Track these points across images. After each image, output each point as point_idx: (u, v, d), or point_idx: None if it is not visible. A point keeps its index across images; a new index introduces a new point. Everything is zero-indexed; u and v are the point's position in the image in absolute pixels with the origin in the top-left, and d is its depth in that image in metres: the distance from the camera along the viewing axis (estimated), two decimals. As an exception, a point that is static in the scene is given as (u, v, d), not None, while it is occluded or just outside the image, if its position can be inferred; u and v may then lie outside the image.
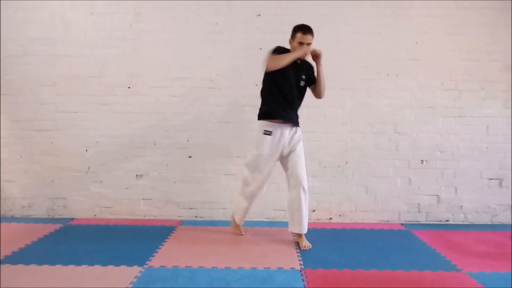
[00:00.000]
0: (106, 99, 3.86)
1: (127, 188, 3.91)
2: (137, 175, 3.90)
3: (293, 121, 3.12)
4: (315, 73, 3.16)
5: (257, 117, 3.17)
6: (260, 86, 3.20)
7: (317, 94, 3.22)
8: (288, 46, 3.11)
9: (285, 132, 3.08)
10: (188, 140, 3.88)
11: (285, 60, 2.90)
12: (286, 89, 3.06)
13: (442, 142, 3.85)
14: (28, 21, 3.85)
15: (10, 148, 3.91)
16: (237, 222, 3.40)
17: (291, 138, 3.11)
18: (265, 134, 3.07)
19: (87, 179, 3.91)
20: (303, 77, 3.13)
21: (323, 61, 3.10)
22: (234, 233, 3.43)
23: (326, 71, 3.80)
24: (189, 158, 3.88)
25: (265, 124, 3.08)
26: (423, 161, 3.85)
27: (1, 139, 3.90)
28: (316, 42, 3.78)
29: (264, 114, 3.11)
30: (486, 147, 3.85)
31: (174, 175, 3.89)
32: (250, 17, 3.79)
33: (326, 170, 3.87)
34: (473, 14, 3.79)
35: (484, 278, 2.56)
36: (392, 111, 3.84)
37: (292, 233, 3.34)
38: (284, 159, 3.17)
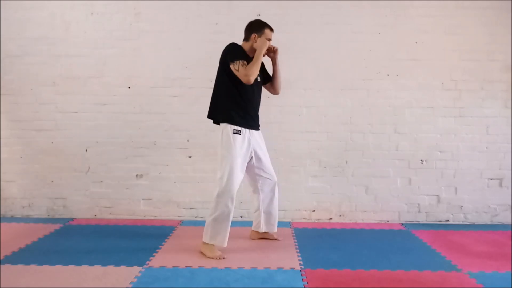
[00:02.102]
0: (106, 99, 3.86)
1: (127, 188, 3.91)
2: (137, 175, 3.90)
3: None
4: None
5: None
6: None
7: (275, 90, 3.18)
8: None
9: None
10: (188, 140, 3.88)
11: (257, 66, 2.83)
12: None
13: (442, 142, 3.85)
14: (28, 21, 3.85)
15: (10, 148, 3.91)
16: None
17: None
18: None
19: (87, 179, 3.91)
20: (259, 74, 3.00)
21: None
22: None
23: (327, 71, 3.83)
24: (189, 158, 3.88)
25: None
26: (423, 161, 3.85)
27: (1, 139, 3.90)
28: (316, 42, 3.81)
29: None
30: (486, 147, 3.85)
31: (174, 175, 3.89)
32: (250, 17, 3.77)
33: (326, 170, 3.87)
34: (473, 14, 3.79)
35: (484, 278, 2.56)
36: (392, 111, 3.84)
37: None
38: None
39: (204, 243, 2.91)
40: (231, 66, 2.83)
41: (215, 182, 2.92)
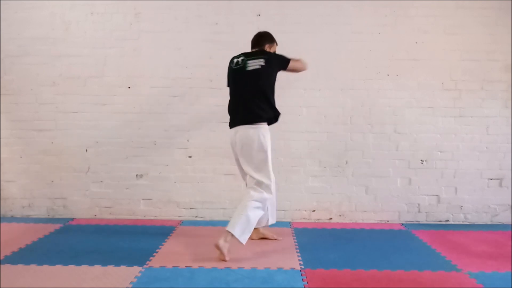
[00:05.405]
0: (106, 99, 3.86)
1: (127, 188, 3.91)
2: (137, 175, 3.90)
3: None
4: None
5: (260, 120, 2.98)
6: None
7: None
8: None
9: None
10: (188, 140, 3.88)
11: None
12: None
13: (442, 142, 3.85)
14: (28, 21, 3.85)
15: (10, 148, 3.91)
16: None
17: None
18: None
19: (87, 179, 3.90)
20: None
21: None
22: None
23: (327, 71, 3.82)
24: (189, 158, 3.88)
25: (268, 129, 3.03)
26: (423, 161, 3.85)
27: (1, 139, 3.90)
28: (316, 42, 3.81)
29: (275, 118, 3.07)
30: (486, 147, 3.85)
31: (174, 175, 3.89)
32: (250, 17, 3.79)
33: (326, 170, 3.87)
34: (473, 14, 3.79)
35: (484, 278, 2.56)
36: (392, 111, 3.84)
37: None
38: None
39: (231, 239, 2.81)
40: (290, 64, 3.08)
41: (261, 184, 2.93)
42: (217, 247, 2.78)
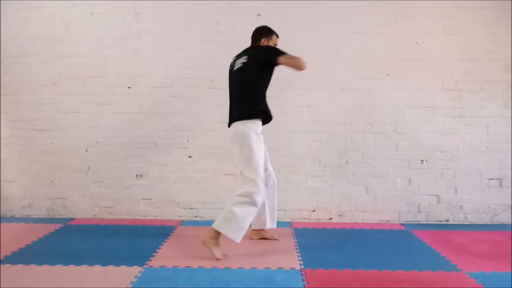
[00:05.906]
0: (106, 99, 3.86)
1: (127, 188, 3.91)
2: (137, 175, 3.90)
3: None
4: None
5: (245, 117, 2.91)
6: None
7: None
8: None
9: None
10: (188, 140, 3.88)
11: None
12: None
13: (442, 142, 3.85)
14: (28, 21, 3.85)
15: (10, 148, 3.91)
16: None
17: None
18: (260, 134, 2.96)
19: (87, 179, 3.90)
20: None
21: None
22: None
23: (327, 71, 3.83)
24: (189, 158, 3.89)
25: (259, 124, 2.97)
26: (423, 161, 3.85)
27: (1, 139, 3.90)
28: (316, 42, 3.81)
29: (263, 113, 2.98)
30: (486, 147, 3.85)
31: (174, 175, 3.89)
32: (250, 17, 3.79)
33: (326, 170, 3.87)
34: (473, 14, 3.79)
35: (484, 278, 2.56)
36: (392, 111, 3.84)
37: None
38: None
39: (216, 236, 2.80)
40: (282, 58, 2.84)
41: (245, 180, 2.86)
42: (203, 243, 2.83)
